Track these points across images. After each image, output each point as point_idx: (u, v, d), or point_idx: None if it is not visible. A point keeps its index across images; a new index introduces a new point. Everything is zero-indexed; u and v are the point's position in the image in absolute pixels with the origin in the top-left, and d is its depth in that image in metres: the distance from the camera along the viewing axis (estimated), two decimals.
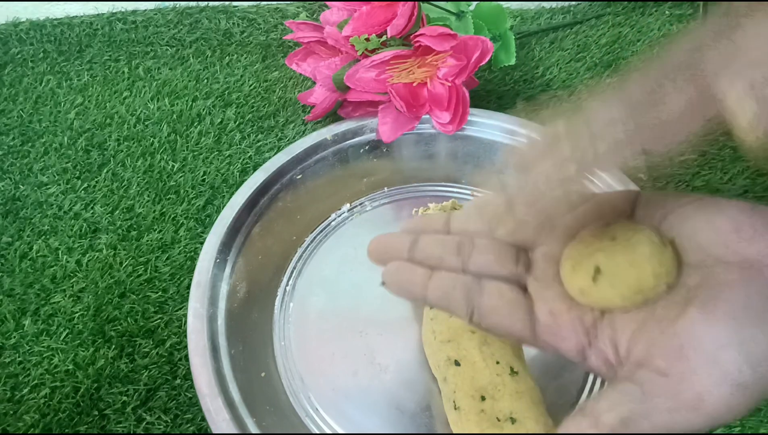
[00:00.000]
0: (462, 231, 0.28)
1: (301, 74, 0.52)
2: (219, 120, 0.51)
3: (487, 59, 0.43)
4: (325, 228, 0.44)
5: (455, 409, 0.32)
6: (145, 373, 0.37)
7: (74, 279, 0.41)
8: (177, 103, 0.52)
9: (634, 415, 0.21)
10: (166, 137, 0.50)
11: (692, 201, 0.25)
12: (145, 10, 0.60)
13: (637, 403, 0.21)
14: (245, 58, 0.56)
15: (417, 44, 0.43)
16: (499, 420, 0.31)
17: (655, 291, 0.24)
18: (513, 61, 0.48)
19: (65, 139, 0.50)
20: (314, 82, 0.49)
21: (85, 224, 0.44)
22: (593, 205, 0.27)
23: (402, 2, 0.43)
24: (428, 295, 0.27)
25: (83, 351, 0.38)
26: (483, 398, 0.32)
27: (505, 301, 0.26)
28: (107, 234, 0.44)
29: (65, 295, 0.40)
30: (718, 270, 0.23)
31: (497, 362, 0.33)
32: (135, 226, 0.44)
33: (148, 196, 0.46)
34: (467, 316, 0.26)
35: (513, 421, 0.31)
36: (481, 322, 0.26)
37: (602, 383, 0.36)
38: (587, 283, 0.25)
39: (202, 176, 0.47)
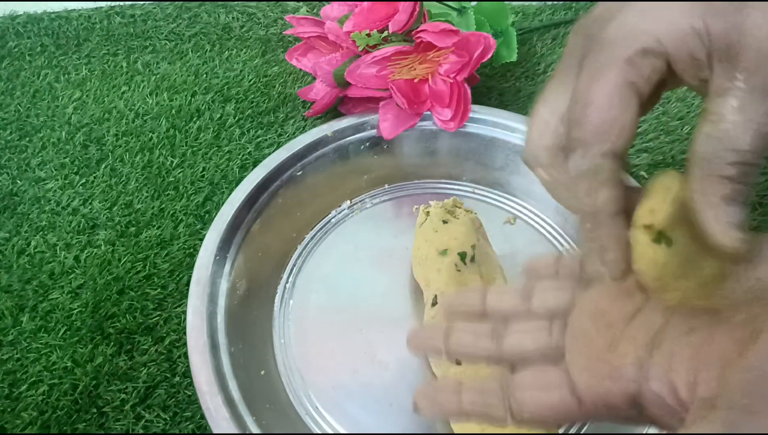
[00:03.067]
0: (497, 306, 0.28)
1: (301, 70, 0.52)
2: (218, 115, 0.50)
3: (489, 56, 0.43)
4: (325, 225, 0.44)
5: None
6: (144, 371, 0.37)
7: (72, 275, 0.41)
8: (176, 98, 0.52)
9: None
10: (164, 132, 0.49)
11: None
12: (144, 3, 0.60)
13: None
14: (245, 53, 0.56)
15: (418, 40, 0.43)
16: None
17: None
18: (514, 58, 0.48)
19: (63, 133, 0.50)
20: (314, 78, 0.49)
21: (83, 220, 0.44)
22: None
23: None
24: (465, 409, 0.25)
25: (81, 348, 0.38)
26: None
27: (540, 383, 0.25)
28: (105, 230, 0.43)
29: (63, 292, 0.40)
30: None
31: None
32: (134, 222, 0.44)
33: (147, 192, 0.46)
34: (506, 410, 0.25)
35: None
36: (522, 414, 0.24)
37: None
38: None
39: (201, 172, 0.47)
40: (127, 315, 0.39)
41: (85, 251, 0.42)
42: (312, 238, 0.43)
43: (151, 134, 0.49)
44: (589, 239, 0.25)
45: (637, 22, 0.23)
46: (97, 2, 0.60)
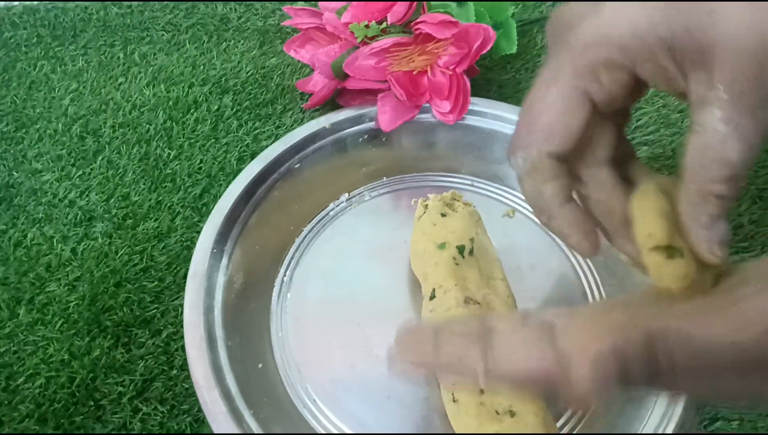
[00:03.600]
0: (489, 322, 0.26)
1: (299, 61, 0.51)
2: (216, 107, 0.50)
3: (488, 47, 0.43)
4: (323, 218, 0.43)
5: (454, 401, 0.32)
6: (141, 364, 0.37)
7: (69, 268, 0.41)
8: (173, 90, 0.51)
9: (689, 327, 0.20)
10: (162, 124, 0.49)
11: None
12: None
13: (693, 318, 0.20)
14: (242, 44, 0.55)
15: (417, 31, 0.42)
16: (498, 413, 0.31)
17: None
18: (514, 50, 0.48)
19: (59, 125, 0.49)
20: (312, 70, 0.48)
21: (80, 212, 0.44)
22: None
23: None
24: (440, 358, 0.23)
25: (78, 341, 0.38)
26: (482, 391, 0.32)
27: (522, 340, 0.22)
28: (102, 222, 0.43)
29: (60, 284, 0.40)
30: None
31: None
32: (131, 214, 0.44)
33: (144, 184, 0.45)
34: (482, 370, 0.22)
35: (512, 414, 0.31)
36: (496, 368, 0.22)
37: None
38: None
39: (198, 164, 0.46)
40: (124, 308, 0.39)
41: (82, 244, 0.42)
42: (310, 232, 0.43)
43: (148, 126, 0.49)
44: (550, 230, 0.26)
45: (599, 30, 0.23)
46: None
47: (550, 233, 0.42)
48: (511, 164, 0.27)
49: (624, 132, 0.27)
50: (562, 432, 0.34)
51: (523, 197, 0.43)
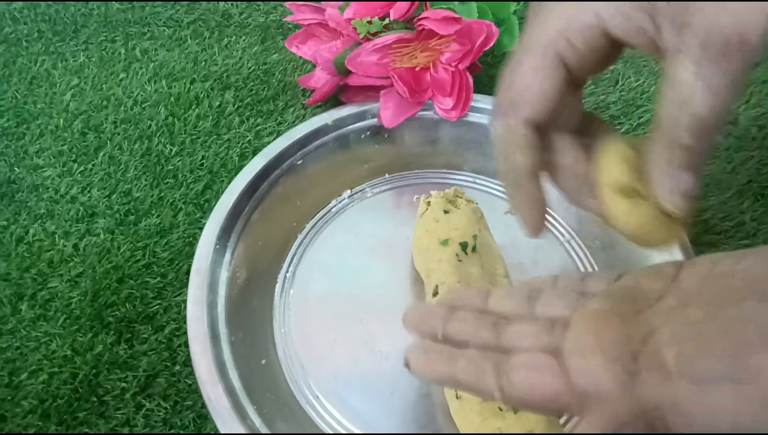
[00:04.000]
0: (499, 308, 0.27)
1: (301, 57, 0.51)
2: (217, 103, 0.50)
3: (491, 44, 0.43)
4: (325, 214, 0.43)
5: (457, 398, 0.32)
6: (145, 360, 0.37)
7: (71, 264, 0.41)
8: (174, 86, 0.51)
9: (688, 404, 0.19)
10: (163, 120, 0.49)
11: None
12: None
13: (692, 393, 0.19)
14: (244, 40, 0.55)
15: (420, 28, 0.42)
16: (501, 409, 0.31)
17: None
18: None
19: (61, 121, 0.49)
20: (315, 66, 0.48)
21: (81, 208, 0.44)
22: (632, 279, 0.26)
23: None
24: (456, 374, 0.24)
25: (81, 337, 0.38)
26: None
27: (535, 367, 0.23)
28: (104, 218, 0.43)
29: (62, 280, 0.40)
30: None
31: None
32: (132, 210, 0.44)
33: (146, 180, 0.45)
34: (497, 389, 0.24)
35: (515, 410, 0.31)
36: (513, 394, 0.23)
37: None
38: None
39: (200, 160, 0.46)
40: (126, 304, 0.39)
41: (84, 239, 0.42)
42: (312, 228, 0.43)
43: (149, 122, 0.49)
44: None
45: None
46: None
47: (553, 230, 0.42)
48: (491, 133, 0.28)
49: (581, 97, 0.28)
50: (564, 428, 0.34)
51: None
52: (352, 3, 0.44)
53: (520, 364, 0.24)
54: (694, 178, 0.22)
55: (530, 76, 0.24)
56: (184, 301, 0.37)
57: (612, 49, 0.24)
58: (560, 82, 0.24)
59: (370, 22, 0.43)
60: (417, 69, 0.44)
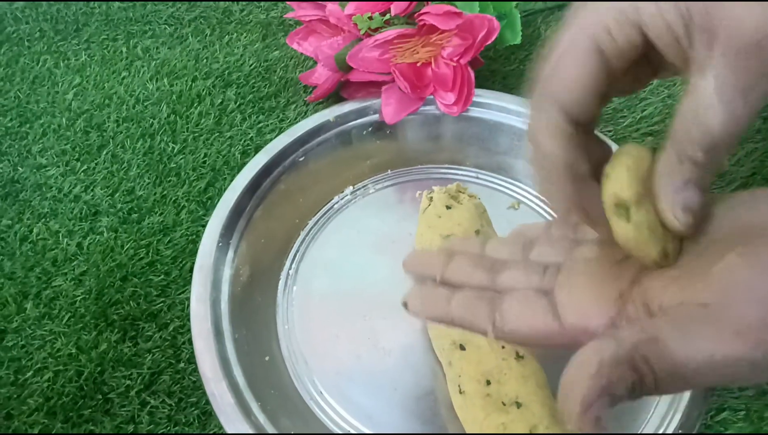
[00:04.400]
0: (496, 254, 0.29)
1: (302, 54, 0.51)
2: (219, 101, 0.50)
3: (493, 38, 0.42)
4: (328, 211, 0.43)
5: (460, 393, 0.32)
6: (149, 357, 0.37)
7: (75, 262, 0.41)
8: (176, 84, 0.51)
9: (668, 339, 0.20)
10: (165, 118, 0.49)
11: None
12: None
13: (672, 329, 0.20)
14: (245, 37, 0.55)
15: (421, 23, 0.42)
16: (504, 404, 0.31)
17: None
18: (519, 40, 0.47)
19: (63, 120, 0.49)
20: (316, 62, 0.48)
21: (85, 207, 0.44)
22: None
23: None
24: (451, 312, 0.26)
25: (86, 335, 0.38)
26: (488, 382, 0.32)
27: (527, 302, 0.25)
28: (108, 217, 0.43)
29: (66, 279, 0.40)
30: (757, 239, 0.21)
31: (503, 346, 0.33)
32: (136, 208, 0.44)
33: (149, 178, 0.45)
34: (490, 323, 0.25)
35: (519, 405, 0.31)
36: (504, 327, 0.25)
37: None
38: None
39: (202, 158, 0.46)
40: (130, 302, 0.39)
41: (88, 238, 0.42)
42: (315, 224, 0.43)
43: (152, 120, 0.49)
44: (541, 191, 0.28)
45: None
46: None
47: None
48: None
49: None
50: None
51: (528, 189, 0.44)
52: None
53: (512, 300, 0.25)
54: (700, 195, 0.22)
55: (568, 61, 0.24)
56: (188, 299, 0.37)
57: (646, 59, 0.24)
58: (597, 70, 0.23)
59: (371, 18, 0.43)
60: (418, 64, 0.44)
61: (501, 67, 0.51)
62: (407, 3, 0.43)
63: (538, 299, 0.25)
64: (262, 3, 0.58)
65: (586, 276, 0.25)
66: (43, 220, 0.43)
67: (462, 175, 0.45)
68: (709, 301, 0.20)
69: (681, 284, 0.22)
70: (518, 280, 0.27)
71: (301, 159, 0.43)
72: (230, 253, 0.38)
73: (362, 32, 0.44)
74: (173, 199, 0.44)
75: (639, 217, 0.22)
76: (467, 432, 0.32)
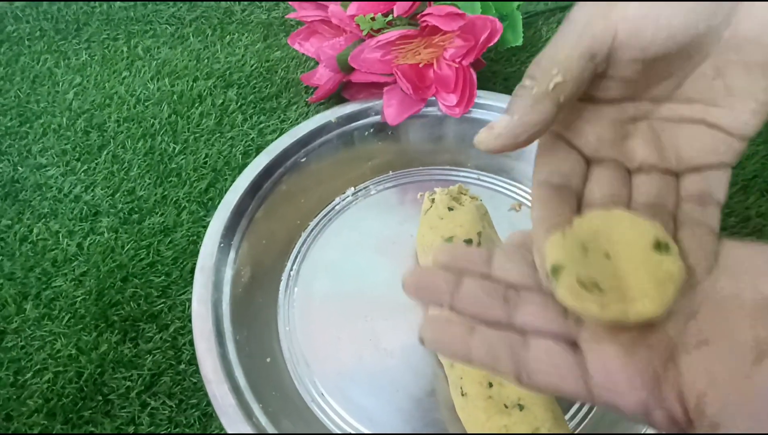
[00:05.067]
0: (506, 275, 0.26)
1: (304, 54, 0.51)
2: (220, 101, 0.50)
3: (495, 40, 0.42)
4: (329, 212, 0.43)
5: (462, 395, 0.32)
6: (149, 358, 0.37)
7: (75, 263, 0.41)
8: (177, 84, 0.51)
9: None
10: (166, 118, 0.49)
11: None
12: None
13: None
14: (246, 37, 0.55)
15: (424, 24, 0.42)
16: (506, 407, 0.31)
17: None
18: (520, 42, 0.47)
19: (64, 120, 0.49)
20: (317, 63, 0.48)
21: (85, 207, 0.44)
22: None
23: None
24: (472, 353, 0.24)
25: (86, 336, 0.38)
26: (490, 385, 0.32)
27: (554, 359, 0.24)
28: (108, 217, 0.43)
29: (67, 279, 0.40)
30: None
31: None
32: (136, 209, 0.44)
33: (149, 178, 0.45)
34: (515, 377, 0.24)
35: (521, 407, 0.31)
36: (530, 383, 0.24)
37: None
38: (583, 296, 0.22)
39: (203, 159, 0.46)
40: (131, 302, 0.39)
41: (88, 238, 0.42)
42: (316, 226, 0.43)
43: (152, 120, 0.49)
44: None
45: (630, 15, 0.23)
46: None
47: None
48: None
49: None
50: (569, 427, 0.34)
51: (529, 190, 0.44)
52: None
53: (537, 357, 0.24)
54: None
55: (563, 57, 0.23)
56: (189, 300, 0.37)
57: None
58: (588, 71, 0.24)
59: (373, 19, 0.43)
60: (420, 65, 0.44)
61: (502, 69, 0.51)
62: (410, 4, 0.43)
63: (566, 356, 0.24)
64: (264, 3, 0.58)
65: (617, 345, 0.23)
66: (43, 220, 0.43)
67: (464, 176, 0.45)
68: (756, 430, 0.19)
69: (721, 391, 0.21)
70: (538, 318, 0.25)
71: (302, 160, 0.43)
72: (231, 254, 0.38)
73: (364, 33, 0.43)
74: (174, 199, 0.44)
75: (567, 276, 0.22)
76: (469, 434, 0.32)
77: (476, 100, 0.44)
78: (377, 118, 0.45)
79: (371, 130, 0.45)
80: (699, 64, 0.24)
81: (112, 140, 0.48)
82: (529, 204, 0.43)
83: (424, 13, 0.42)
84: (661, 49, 0.23)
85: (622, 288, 0.22)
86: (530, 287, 0.26)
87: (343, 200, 0.44)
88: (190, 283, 0.37)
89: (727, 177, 0.25)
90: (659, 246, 0.23)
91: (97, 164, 0.46)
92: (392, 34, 0.42)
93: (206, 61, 0.53)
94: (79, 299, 0.39)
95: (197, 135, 0.48)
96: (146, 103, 0.50)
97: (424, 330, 0.25)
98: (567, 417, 0.34)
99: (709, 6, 0.23)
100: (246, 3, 0.58)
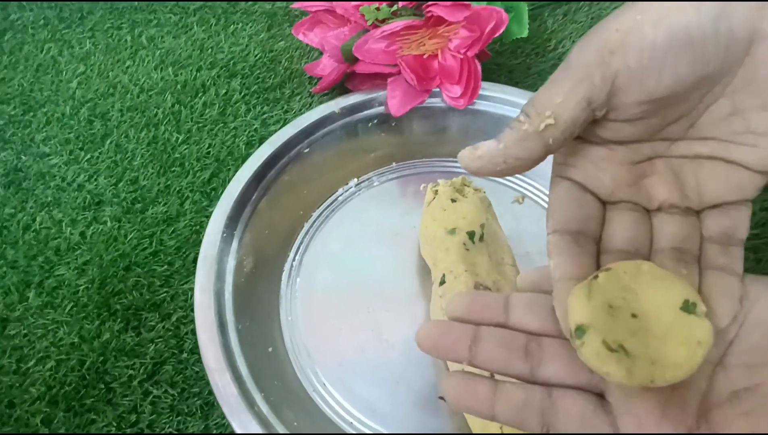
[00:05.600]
0: (525, 324, 0.25)
1: (307, 44, 0.51)
2: (224, 91, 0.50)
3: (501, 31, 0.42)
4: (332, 203, 0.43)
5: None
6: (152, 347, 0.37)
7: (78, 251, 0.41)
8: (181, 73, 0.51)
9: None
10: (170, 108, 0.49)
11: None
12: None
13: None
14: (250, 27, 0.55)
15: (429, 14, 0.42)
16: None
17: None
18: (525, 33, 0.47)
19: (67, 108, 0.49)
20: (321, 53, 0.48)
21: (88, 196, 0.44)
22: None
23: None
24: (496, 412, 0.24)
25: (88, 324, 0.38)
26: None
27: (582, 416, 0.23)
28: (111, 206, 0.43)
29: (69, 268, 0.40)
30: None
31: None
32: (139, 198, 0.44)
33: (153, 168, 0.45)
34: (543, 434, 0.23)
35: None
36: None
37: None
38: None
39: (207, 148, 0.46)
40: (133, 291, 0.39)
41: (91, 227, 0.42)
42: (319, 216, 0.42)
43: (156, 110, 0.49)
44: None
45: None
46: None
47: None
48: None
49: None
50: None
51: (532, 183, 0.43)
52: None
53: (565, 413, 0.23)
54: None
55: (559, 99, 0.23)
56: (191, 289, 0.37)
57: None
58: (583, 113, 0.23)
59: (378, 9, 0.43)
60: (425, 56, 0.44)
61: (507, 61, 0.51)
62: None
63: (594, 412, 0.23)
64: None
65: (648, 403, 0.22)
66: (46, 209, 0.43)
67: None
68: None
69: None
70: (562, 372, 0.24)
71: (305, 151, 0.43)
72: (234, 244, 0.38)
73: (369, 23, 0.43)
74: (177, 189, 0.44)
75: (592, 338, 0.21)
76: (471, 424, 0.32)
77: (480, 92, 0.44)
78: (381, 109, 0.45)
79: (375, 121, 0.45)
80: (714, 101, 0.23)
81: (115, 129, 0.48)
82: (532, 196, 0.43)
83: (429, 3, 0.42)
84: (667, 91, 0.22)
85: (649, 353, 0.21)
86: (551, 334, 0.25)
87: (346, 191, 0.44)
88: (193, 273, 0.37)
89: (748, 213, 0.24)
90: (688, 306, 0.22)
91: (100, 153, 0.46)
92: (397, 24, 0.42)
93: (210, 50, 0.53)
94: (81, 288, 0.39)
95: (200, 125, 0.48)
96: (150, 93, 0.50)
97: (446, 388, 0.24)
98: None
99: (718, 52, 0.21)
100: None
